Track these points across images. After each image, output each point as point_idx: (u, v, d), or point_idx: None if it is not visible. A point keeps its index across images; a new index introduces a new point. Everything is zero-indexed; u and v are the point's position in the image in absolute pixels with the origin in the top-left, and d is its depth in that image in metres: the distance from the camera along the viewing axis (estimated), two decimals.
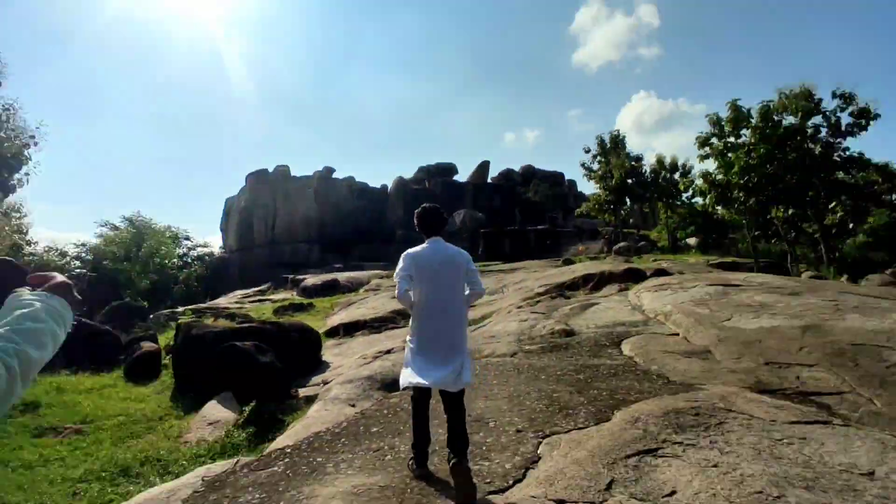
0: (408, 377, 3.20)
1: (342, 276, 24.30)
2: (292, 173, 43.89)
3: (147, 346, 10.28)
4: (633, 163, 34.51)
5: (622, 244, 30.87)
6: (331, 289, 22.49)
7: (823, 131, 19.89)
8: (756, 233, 32.77)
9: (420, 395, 3.27)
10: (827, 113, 19.70)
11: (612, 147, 35.83)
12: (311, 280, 23.51)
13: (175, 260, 33.27)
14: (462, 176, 52.74)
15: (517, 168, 56.89)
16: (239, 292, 28.19)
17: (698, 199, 25.31)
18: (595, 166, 36.41)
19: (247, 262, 38.41)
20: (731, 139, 19.98)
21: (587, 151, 36.87)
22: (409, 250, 3.43)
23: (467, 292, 3.44)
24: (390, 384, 5.75)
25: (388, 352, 8.47)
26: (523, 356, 6.73)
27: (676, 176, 34.81)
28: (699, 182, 19.81)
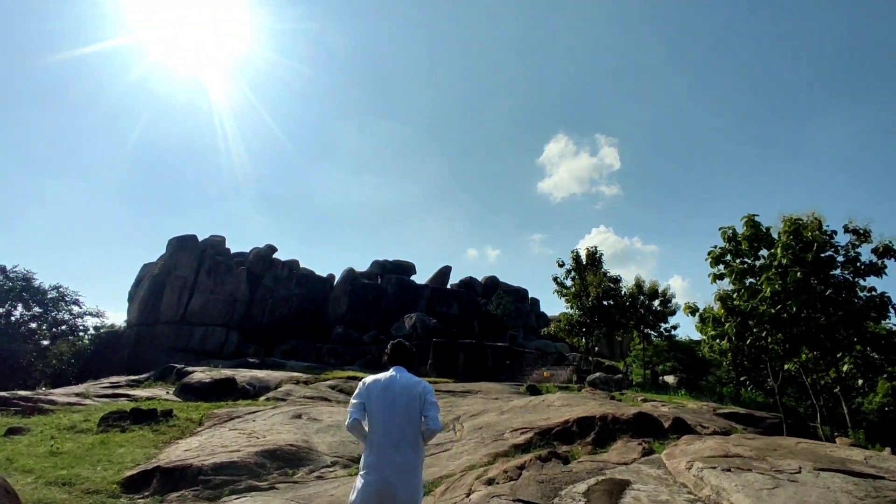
0: None
1: (243, 375, 18.43)
2: (227, 246, 38.39)
3: None
4: (611, 283, 31.01)
5: (598, 375, 26.29)
6: (222, 391, 16.62)
7: (839, 268, 16.74)
8: (743, 378, 29.03)
9: None
10: (839, 248, 16.65)
11: (589, 264, 32.56)
12: (199, 375, 17.55)
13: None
14: (420, 279, 48.45)
15: (480, 278, 53.28)
16: (111, 379, 21.64)
17: (690, 334, 21.39)
18: (568, 283, 32.80)
19: (145, 340, 31.34)
20: (748, 260, 16.47)
21: (561, 265, 33.45)
22: (368, 377, 3.36)
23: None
24: None
25: None
26: None
27: (656, 303, 31.48)
28: (714, 307, 15.80)
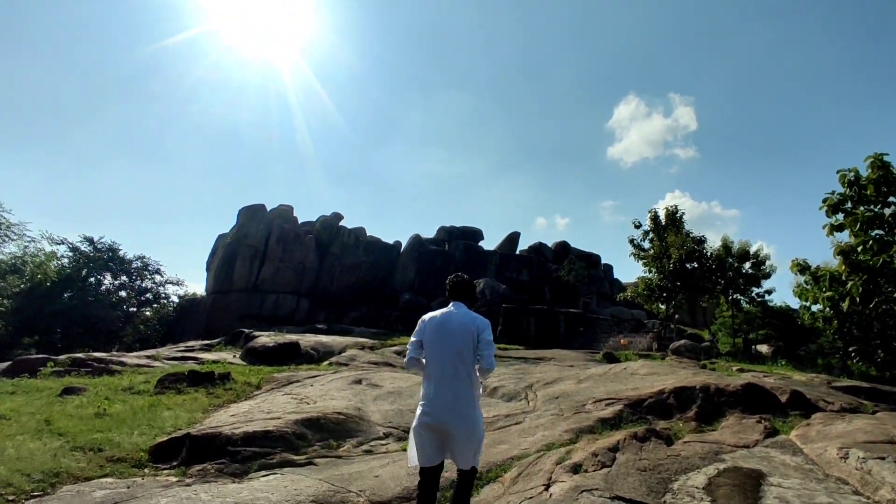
0: (412, 456, 3.11)
1: (308, 340, 18.12)
2: (295, 216, 38.77)
3: None
4: (694, 245, 28.21)
5: (682, 342, 24.09)
6: (286, 355, 16.33)
7: None
8: (851, 349, 25.75)
9: (426, 472, 3.07)
10: None
11: (669, 224, 29.75)
12: (263, 340, 17.40)
13: (51, 280, 23.64)
14: (488, 246, 47.01)
15: (550, 244, 51.10)
16: (187, 343, 22.29)
17: (786, 299, 18.76)
18: (646, 244, 30.23)
19: (220, 307, 32.43)
20: (875, 208, 13.80)
21: (637, 226, 30.85)
22: (426, 314, 3.33)
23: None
24: None
25: None
26: None
27: (747, 266, 28.45)
28: (833, 263, 13.46)
